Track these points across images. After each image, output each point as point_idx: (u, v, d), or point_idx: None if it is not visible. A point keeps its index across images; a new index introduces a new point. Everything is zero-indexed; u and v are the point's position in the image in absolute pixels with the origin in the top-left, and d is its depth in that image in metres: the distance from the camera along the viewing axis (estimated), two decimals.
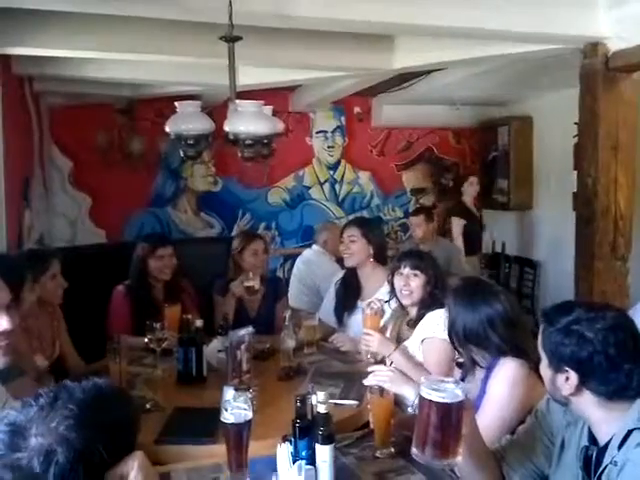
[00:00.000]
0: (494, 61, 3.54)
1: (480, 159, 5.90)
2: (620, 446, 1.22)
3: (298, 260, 4.09)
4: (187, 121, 2.25)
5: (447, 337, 2.16)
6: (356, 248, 2.87)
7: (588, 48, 2.89)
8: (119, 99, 4.94)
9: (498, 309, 1.78)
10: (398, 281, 2.42)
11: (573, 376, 1.27)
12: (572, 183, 3.83)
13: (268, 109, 2.33)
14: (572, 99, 3.21)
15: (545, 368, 1.35)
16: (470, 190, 5.16)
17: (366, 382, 1.84)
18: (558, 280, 4.69)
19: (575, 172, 3.19)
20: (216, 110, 3.79)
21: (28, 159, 4.24)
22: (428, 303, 2.35)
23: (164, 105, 4.09)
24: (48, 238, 4.63)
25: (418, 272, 2.38)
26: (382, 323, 2.50)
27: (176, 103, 2.31)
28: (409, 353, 2.32)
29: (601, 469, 1.26)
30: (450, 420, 1.23)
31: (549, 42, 2.96)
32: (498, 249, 5.73)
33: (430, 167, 6.09)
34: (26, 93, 4.16)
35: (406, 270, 2.40)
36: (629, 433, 1.21)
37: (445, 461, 1.26)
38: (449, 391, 1.24)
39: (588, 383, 1.26)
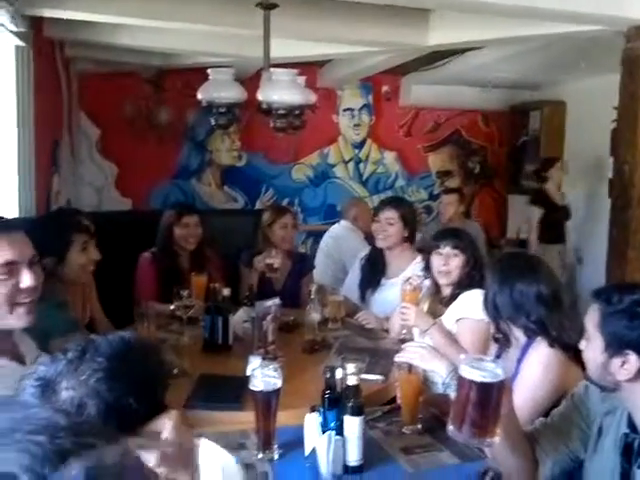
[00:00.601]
0: (533, 41, 3.46)
1: (509, 143, 5.80)
2: None
3: (326, 235, 4.08)
4: (220, 89, 2.24)
5: (483, 317, 2.15)
6: (393, 231, 2.84)
7: (632, 31, 2.81)
8: (148, 68, 4.92)
9: (532, 283, 1.75)
10: (437, 260, 2.38)
11: (634, 360, 1.22)
12: (606, 170, 3.78)
13: (301, 79, 2.31)
14: (608, 85, 3.13)
15: (597, 351, 1.28)
16: (557, 176, 4.79)
17: (396, 358, 1.83)
18: (588, 268, 4.63)
19: (611, 158, 3.12)
20: (246, 83, 3.75)
21: (57, 123, 4.24)
22: (465, 283, 2.32)
23: (192, 76, 4.06)
24: (75, 205, 4.66)
25: (458, 252, 2.34)
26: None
27: (209, 70, 2.29)
28: (446, 329, 2.29)
29: None
30: (490, 400, 1.21)
31: (593, 23, 2.88)
32: (524, 235, 5.66)
33: (457, 150, 6.00)
34: (57, 57, 4.15)
35: (446, 249, 2.36)
36: None
37: (483, 440, 1.24)
38: (490, 370, 1.22)
39: None
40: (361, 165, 5.84)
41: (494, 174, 6.08)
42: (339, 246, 3.87)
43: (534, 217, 4.68)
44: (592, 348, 1.30)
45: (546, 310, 1.75)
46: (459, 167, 6.04)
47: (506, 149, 5.88)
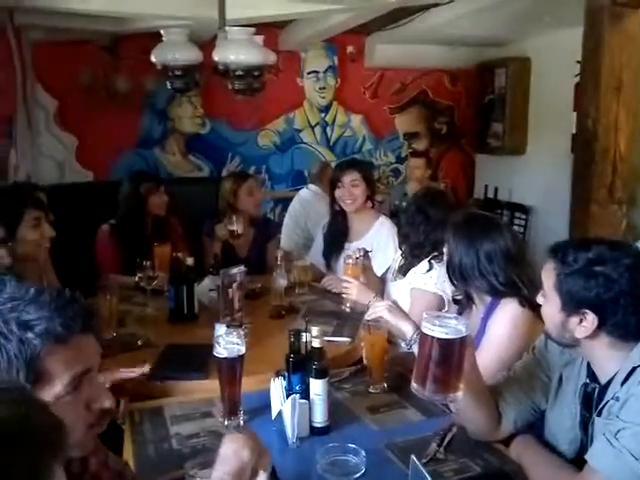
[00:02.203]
0: None
1: (476, 102, 5.77)
2: (623, 382, 1.20)
3: (295, 199, 4.04)
4: (174, 50, 2.16)
5: (435, 290, 2.16)
6: (359, 192, 2.81)
7: None
8: (103, 35, 4.73)
9: (499, 243, 1.74)
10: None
11: (591, 319, 1.21)
12: (570, 126, 3.78)
13: (259, 38, 2.23)
14: (573, 39, 3.11)
15: (554, 310, 1.27)
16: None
17: (367, 316, 1.82)
18: (550, 225, 4.67)
19: (574, 113, 3.12)
20: (205, 48, 3.63)
21: (10, 96, 4.08)
22: (419, 252, 2.31)
23: (149, 42, 3.86)
24: (36, 179, 4.51)
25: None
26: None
27: (162, 30, 2.20)
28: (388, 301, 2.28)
29: (602, 405, 1.25)
30: (452, 356, 1.21)
31: None
32: (490, 194, 5.70)
33: (424, 110, 5.96)
34: (7, 26, 3.96)
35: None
36: (633, 370, 1.19)
37: (446, 396, 1.25)
38: (451, 327, 1.22)
39: (606, 325, 1.21)
40: (328, 129, 5.76)
41: (461, 134, 6.06)
42: (306, 211, 3.84)
43: None
44: (549, 306, 1.29)
45: (516, 268, 1.75)
46: (426, 128, 6.00)
47: (473, 108, 5.86)
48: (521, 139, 5.31)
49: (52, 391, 0.90)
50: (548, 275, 1.28)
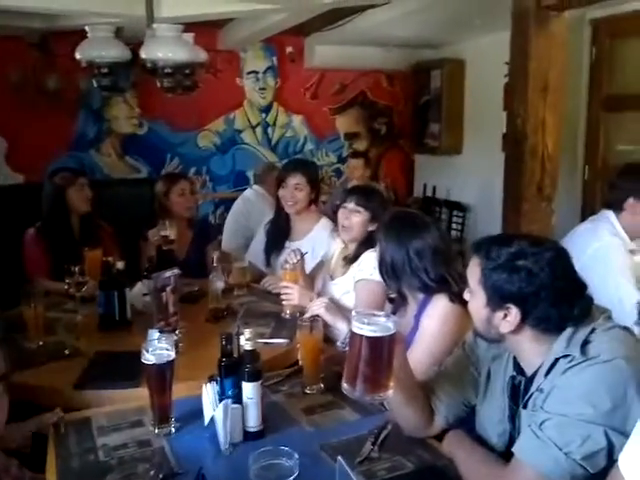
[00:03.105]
0: None
1: (413, 103, 5.87)
2: (547, 374, 1.22)
3: (239, 199, 4.01)
4: (99, 47, 2.09)
5: (379, 279, 2.16)
6: (302, 196, 2.78)
7: None
8: (31, 32, 4.54)
9: (427, 241, 1.77)
10: (341, 215, 2.37)
11: (515, 313, 1.23)
12: (501, 126, 3.89)
13: (189, 36, 2.18)
14: (502, 42, 3.20)
15: (480, 305, 1.28)
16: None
17: (308, 312, 1.80)
18: (486, 223, 4.80)
19: (505, 113, 3.20)
20: (138, 47, 3.53)
21: None
22: (367, 242, 2.32)
23: (82, 39, 3.79)
24: None
25: (361, 209, 2.32)
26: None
27: (86, 27, 2.12)
28: (331, 300, 2.27)
29: (527, 397, 1.27)
30: (381, 354, 1.20)
31: None
32: (429, 193, 5.81)
33: (363, 111, 6.02)
34: None
35: (350, 205, 2.34)
36: (556, 361, 1.21)
37: (376, 396, 1.24)
38: (380, 324, 1.21)
39: (529, 319, 1.23)
40: (269, 130, 5.74)
41: (400, 134, 6.16)
42: (248, 211, 3.81)
43: None
44: (475, 301, 1.30)
45: (445, 263, 1.78)
46: (366, 129, 6.07)
47: (410, 109, 5.96)
48: (457, 139, 5.44)
49: None
50: (473, 271, 1.29)
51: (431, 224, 1.84)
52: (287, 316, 2.31)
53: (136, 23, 3.64)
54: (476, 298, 1.29)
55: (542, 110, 2.89)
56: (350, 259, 2.37)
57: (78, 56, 2.09)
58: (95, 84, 2.14)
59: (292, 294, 2.25)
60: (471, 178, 5.26)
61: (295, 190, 2.77)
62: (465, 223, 5.29)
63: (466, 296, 1.35)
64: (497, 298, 1.25)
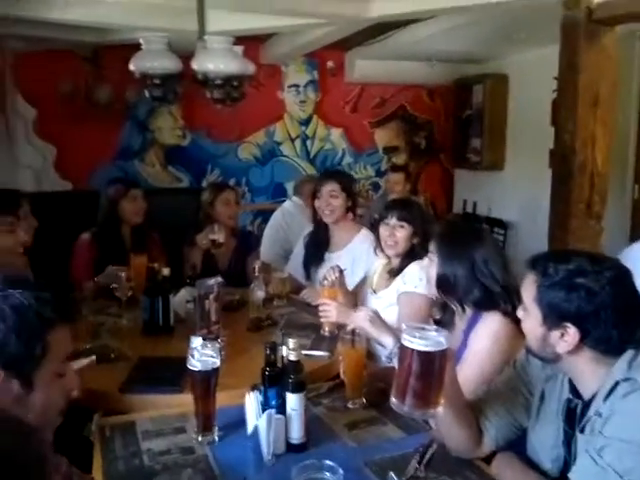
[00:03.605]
0: (475, 12, 3.44)
1: (454, 118, 5.83)
2: (606, 398, 1.17)
3: (278, 210, 4.03)
4: (153, 58, 2.14)
5: (427, 292, 2.13)
6: (337, 203, 2.78)
7: None
8: (84, 45, 4.69)
9: (490, 247, 1.72)
10: (384, 231, 2.34)
11: (573, 332, 1.18)
12: (547, 141, 3.82)
13: (238, 48, 2.22)
14: (548, 56, 3.16)
15: (535, 324, 1.23)
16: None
17: (351, 324, 1.78)
18: (529, 241, 4.71)
19: (552, 128, 3.15)
20: (185, 60, 3.59)
21: None
22: (413, 255, 2.29)
23: (131, 53, 3.88)
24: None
25: (405, 223, 2.31)
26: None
27: (141, 39, 2.17)
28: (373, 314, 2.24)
29: (584, 421, 1.22)
30: (432, 369, 1.17)
31: None
32: (469, 209, 5.74)
33: (403, 125, 6.00)
34: None
35: (392, 221, 2.32)
36: (616, 384, 1.16)
37: (426, 412, 1.20)
38: (432, 339, 1.18)
39: (588, 339, 1.18)
40: (308, 142, 5.77)
41: (440, 149, 6.11)
42: (287, 222, 3.82)
43: None
44: (530, 319, 1.25)
45: (507, 275, 1.73)
46: (405, 143, 6.04)
47: (451, 123, 5.91)
48: (499, 154, 5.37)
49: (51, 367, 1.03)
50: (528, 288, 1.25)
51: (485, 233, 1.80)
52: (326, 333, 2.28)
53: (185, 37, 3.74)
54: (531, 316, 1.25)
55: (592, 125, 2.83)
56: (395, 272, 2.35)
57: (132, 67, 2.14)
58: (147, 94, 2.18)
59: (330, 311, 2.21)
60: (513, 194, 5.18)
61: (330, 198, 2.77)
62: (506, 241, 5.20)
63: (519, 314, 1.30)
64: (554, 317, 1.20)
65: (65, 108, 4.93)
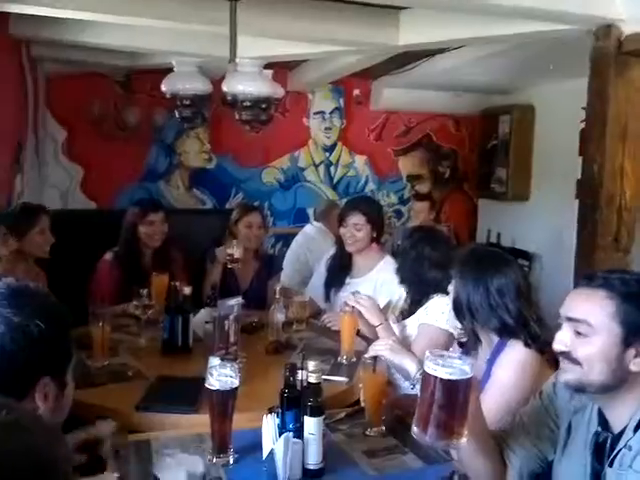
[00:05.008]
0: (502, 42, 3.45)
1: (479, 148, 5.81)
2: (636, 430, 1.12)
3: (299, 234, 4.04)
4: (184, 80, 2.18)
5: (445, 327, 2.10)
6: (361, 235, 2.78)
7: (601, 30, 2.80)
8: (117, 69, 4.81)
9: (510, 277, 1.68)
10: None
11: None
12: (574, 172, 3.78)
13: (268, 72, 2.25)
14: (576, 88, 3.14)
15: (610, 343, 1.14)
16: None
17: (367, 354, 1.75)
18: (554, 273, 4.63)
19: (580, 158, 3.11)
20: (215, 84, 3.64)
21: (22, 125, 4.12)
22: (433, 286, 2.25)
23: (161, 77, 3.96)
24: None
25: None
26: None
27: (173, 61, 2.21)
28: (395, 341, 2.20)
29: (614, 454, 1.16)
30: (457, 398, 1.13)
31: (562, 22, 2.87)
32: (493, 239, 5.68)
33: (427, 154, 6.00)
34: (23, 57, 4.04)
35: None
36: None
37: (449, 442, 1.16)
38: (456, 367, 1.14)
39: None
40: (332, 168, 5.79)
41: (464, 178, 6.09)
42: (309, 247, 3.82)
43: None
44: (600, 341, 1.15)
45: (526, 303, 1.69)
46: (429, 171, 6.03)
47: (476, 153, 5.89)
48: (525, 185, 5.32)
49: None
50: (597, 304, 1.15)
51: (513, 262, 1.76)
52: (344, 361, 2.25)
53: (215, 61, 3.81)
54: (602, 336, 1.15)
55: (620, 157, 2.78)
56: (415, 302, 2.32)
57: (163, 88, 2.19)
58: (177, 115, 2.21)
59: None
60: (539, 226, 5.11)
61: (354, 230, 2.76)
62: (531, 273, 5.12)
63: (564, 345, 1.20)
64: (633, 333, 1.13)
65: (94, 130, 5.04)
